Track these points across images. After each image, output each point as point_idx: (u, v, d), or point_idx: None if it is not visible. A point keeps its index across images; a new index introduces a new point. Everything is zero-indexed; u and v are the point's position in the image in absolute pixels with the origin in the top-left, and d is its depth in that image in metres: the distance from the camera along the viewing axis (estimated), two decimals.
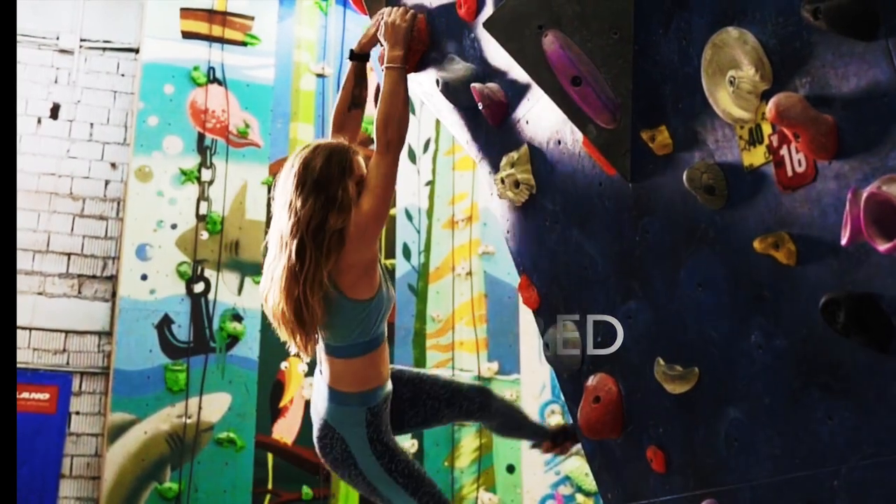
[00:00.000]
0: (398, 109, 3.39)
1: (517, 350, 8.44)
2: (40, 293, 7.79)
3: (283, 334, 3.42)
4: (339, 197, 3.30)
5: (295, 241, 3.28)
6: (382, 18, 3.60)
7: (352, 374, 3.47)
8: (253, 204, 8.25)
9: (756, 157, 2.33)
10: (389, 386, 3.57)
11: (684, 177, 2.47)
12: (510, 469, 8.26)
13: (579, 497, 8.31)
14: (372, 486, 3.48)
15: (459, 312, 8.40)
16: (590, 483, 8.13)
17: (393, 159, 3.38)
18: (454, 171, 8.71)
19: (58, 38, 8.33)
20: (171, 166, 8.09)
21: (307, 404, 7.86)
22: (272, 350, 7.91)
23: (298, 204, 3.30)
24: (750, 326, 2.37)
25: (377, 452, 3.44)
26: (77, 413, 7.66)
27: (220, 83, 8.39)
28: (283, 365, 7.94)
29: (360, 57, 3.79)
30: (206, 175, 8.20)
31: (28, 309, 7.68)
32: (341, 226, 3.28)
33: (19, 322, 7.59)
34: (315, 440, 3.61)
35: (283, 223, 3.35)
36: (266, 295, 3.42)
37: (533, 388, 8.41)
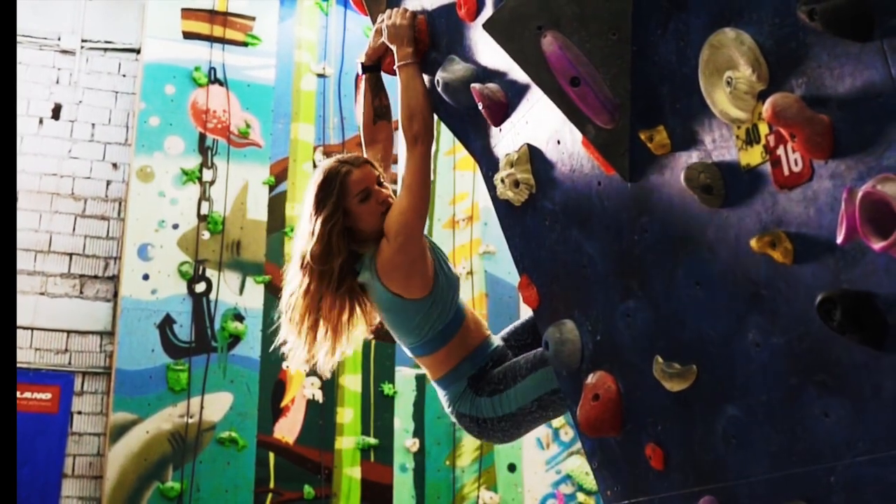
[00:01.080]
0: (419, 102, 3.48)
1: None
2: (42, 293, 7.81)
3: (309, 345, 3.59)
4: (345, 223, 3.47)
5: (307, 271, 3.47)
6: (383, 23, 3.63)
7: (439, 363, 3.58)
8: (254, 204, 8.28)
9: (753, 156, 2.35)
10: (487, 347, 3.63)
11: (682, 176, 2.49)
12: (511, 468, 8.28)
13: (580, 496, 8.33)
14: (529, 402, 3.48)
15: None
16: (591, 482, 8.15)
17: (423, 152, 3.46)
18: (455, 170, 8.73)
19: (59, 39, 8.37)
20: (173, 166, 8.12)
21: (308, 404, 7.91)
22: (273, 350, 7.92)
23: (313, 233, 3.47)
24: (747, 325, 2.38)
25: (491, 394, 3.50)
26: (79, 413, 7.69)
27: (221, 83, 8.42)
28: (285, 365, 7.93)
29: (371, 68, 3.82)
30: (207, 175, 8.23)
31: (30, 309, 7.70)
32: (359, 250, 3.48)
33: (21, 322, 7.61)
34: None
35: (302, 247, 3.52)
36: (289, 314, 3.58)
37: None
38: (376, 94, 3.85)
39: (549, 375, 3.34)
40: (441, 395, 3.64)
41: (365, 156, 3.68)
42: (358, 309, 3.59)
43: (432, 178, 8.63)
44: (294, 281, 3.54)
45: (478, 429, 3.53)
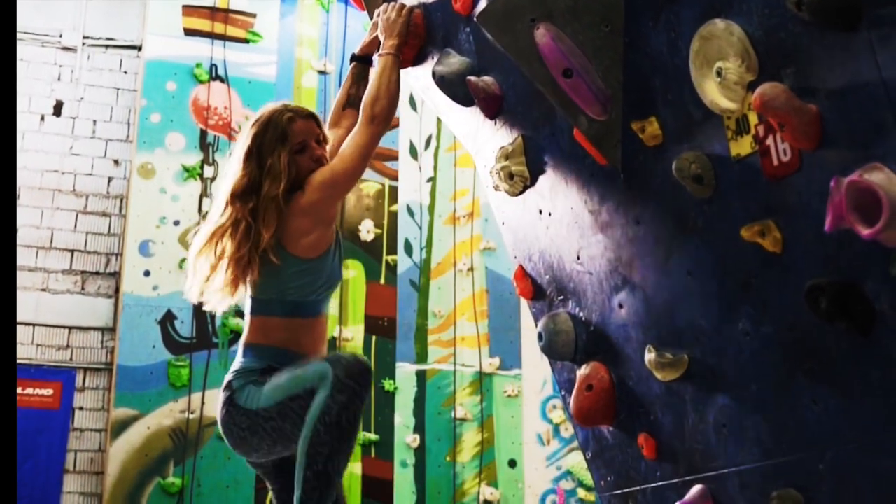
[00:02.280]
0: (388, 90, 3.44)
1: (519, 345, 8.47)
2: (44, 290, 7.82)
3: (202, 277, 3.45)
4: (270, 165, 3.38)
5: (229, 208, 3.39)
6: (379, 17, 3.66)
7: (265, 329, 3.38)
8: None
9: (743, 146, 2.36)
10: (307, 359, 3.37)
11: (673, 167, 2.51)
12: (512, 464, 8.29)
13: (581, 492, 8.33)
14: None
15: (461, 308, 8.44)
16: (591, 478, 8.16)
17: (373, 133, 3.40)
18: (455, 167, 8.74)
19: (61, 36, 8.37)
20: (174, 163, 8.12)
21: None
22: None
23: (237, 170, 3.43)
24: (738, 314, 2.40)
25: (256, 385, 3.27)
26: (80, 409, 7.69)
27: (222, 80, 8.42)
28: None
29: (361, 59, 3.84)
30: (208, 172, 8.24)
31: (32, 305, 7.72)
32: (275, 192, 3.33)
33: (23, 318, 7.63)
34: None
35: (224, 186, 3.46)
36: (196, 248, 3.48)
37: (534, 383, 8.44)
38: (355, 83, 3.84)
39: (297, 380, 3.16)
40: (236, 362, 3.40)
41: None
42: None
43: (433, 174, 8.65)
44: (215, 216, 3.46)
45: (225, 412, 3.27)
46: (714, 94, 2.39)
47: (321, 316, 3.46)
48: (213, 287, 3.46)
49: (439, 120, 8.57)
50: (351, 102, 3.78)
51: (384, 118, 3.41)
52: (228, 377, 3.36)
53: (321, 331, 3.48)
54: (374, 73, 3.54)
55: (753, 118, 2.32)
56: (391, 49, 3.52)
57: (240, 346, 3.45)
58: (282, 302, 3.38)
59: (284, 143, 3.42)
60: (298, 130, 3.46)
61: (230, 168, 3.50)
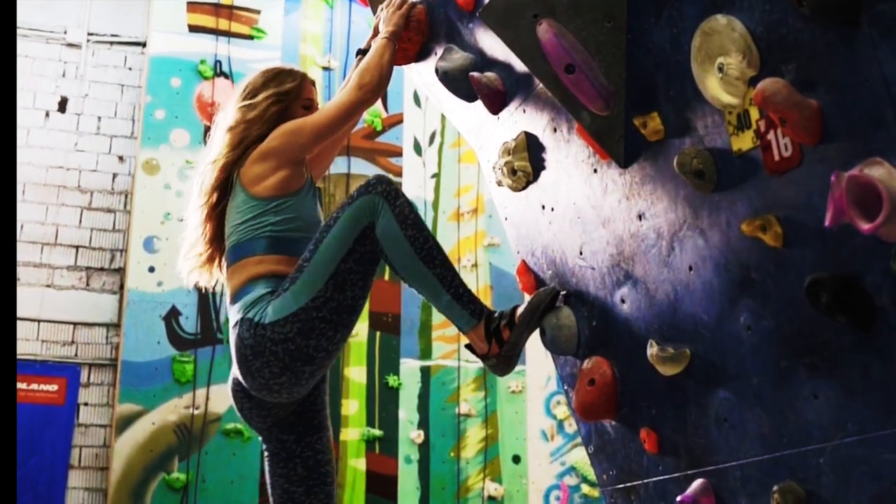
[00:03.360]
0: (380, 65, 3.46)
1: None
2: (49, 286, 7.84)
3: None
4: (256, 101, 3.45)
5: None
6: (382, 11, 3.67)
7: (249, 266, 3.22)
8: None
9: (744, 141, 2.37)
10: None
11: (675, 162, 2.52)
12: (516, 459, 8.30)
13: (585, 487, 8.35)
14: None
15: None
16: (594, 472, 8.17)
17: (358, 98, 3.41)
18: (460, 163, 8.75)
19: (65, 33, 8.38)
20: (179, 159, 8.14)
21: None
22: None
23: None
24: (739, 308, 2.41)
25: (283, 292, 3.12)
26: (85, 404, 7.71)
27: (226, 76, 8.44)
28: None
29: (366, 53, 3.85)
30: None
31: (36, 301, 7.73)
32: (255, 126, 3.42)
33: (28, 314, 7.65)
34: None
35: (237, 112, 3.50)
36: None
37: (539, 379, 8.45)
38: None
39: (343, 233, 3.03)
40: (232, 311, 3.18)
41: None
42: None
43: (437, 170, 8.66)
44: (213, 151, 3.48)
45: (254, 347, 3.03)
46: (716, 89, 2.40)
47: (296, 256, 3.22)
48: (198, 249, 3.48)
49: (443, 116, 8.57)
50: None
51: (372, 88, 3.42)
52: (235, 322, 3.13)
53: None
54: (369, 54, 3.55)
55: (755, 113, 2.33)
56: (387, 34, 3.54)
57: (228, 299, 3.25)
58: (258, 239, 3.24)
59: (272, 83, 3.53)
60: (309, 89, 3.59)
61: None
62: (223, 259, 3.40)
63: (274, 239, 3.25)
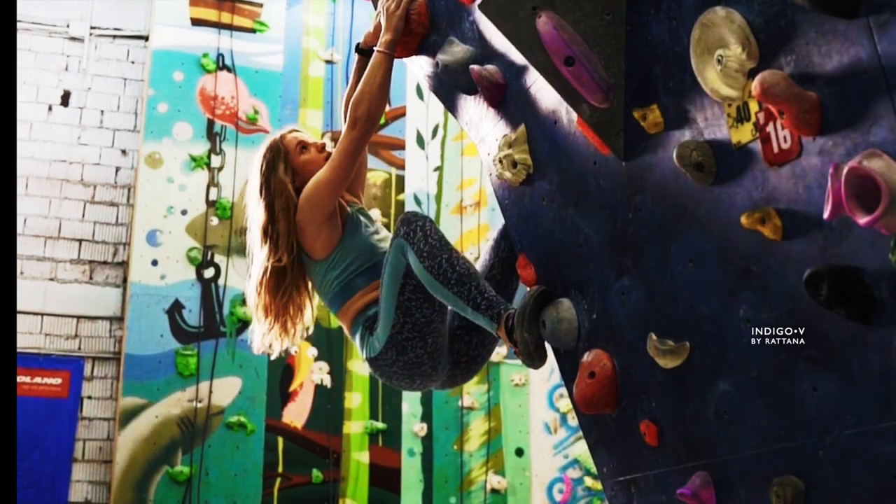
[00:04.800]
0: (374, 90, 3.52)
1: None
2: (52, 279, 7.86)
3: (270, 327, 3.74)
4: (275, 189, 3.65)
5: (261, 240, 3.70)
6: (381, 6, 3.66)
7: (346, 315, 3.66)
8: None
9: (743, 134, 2.37)
10: None
11: (674, 154, 2.51)
12: (519, 452, 8.31)
13: (588, 480, 8.35)
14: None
15: None
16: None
17: (358, 136, 3.53)
18: (462, 156, 8.75)
19: (68, 26, 8.39)
20: (181, 153, 8.15)
21: (317, 388, 7.95)
22: None
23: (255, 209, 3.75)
24: (738, 301, 2.41)
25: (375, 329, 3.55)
26: (89, 397, 7.73)
27: (229, 70, 8.44)
28: (293, 349, 8.00)
29: (365, 51, 3.85)
30: (215, 161, 8.26)
31: (40, 295, 7.75)
32: (285, 205, 3.63)
33: (31, 308, 7.66)
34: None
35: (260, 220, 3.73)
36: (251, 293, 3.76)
37: (541, 372, 8.44)
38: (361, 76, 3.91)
39: (392, 274, 3.40)
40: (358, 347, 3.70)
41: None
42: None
43: (440, 164, 8.66)
44: (259, 259, 3.72)
45: (381, 372, 3.59)
46: (715, 81, 2.39)
47: (373, 281, 3.61)
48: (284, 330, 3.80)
49: (445, 112, 8.57)
50: None
51: (367, 120, 3.51)
52: (366, 361, 3.63)
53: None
54: (366, 70, 3.58)
55: (754, 105, 2.33)
56: (384, 46, 3.56)
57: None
58: (336, 294, 3.64)
59: (283, 155, 3.71)
60: (291, 138, 3.75)
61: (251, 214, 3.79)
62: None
63: (345, 286, 3.63)
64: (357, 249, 3.63)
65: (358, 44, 3.87)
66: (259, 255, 3.68)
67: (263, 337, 3.74)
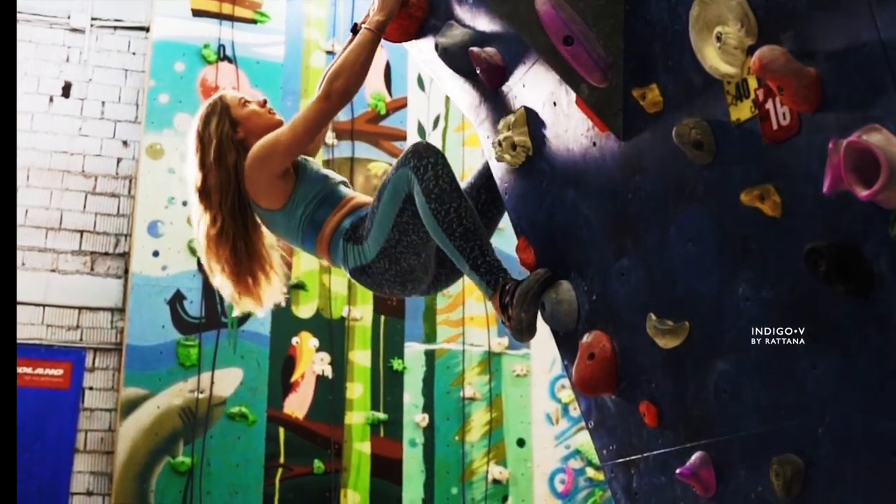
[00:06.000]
0: (356, 68, 3.45)
1: None
2: (53, 270, 7.85)
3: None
4: (207, 141, 3.61)
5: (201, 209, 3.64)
6: None
7: (323, 243, 3.60)
8: None
9: (743, 111, 2.36)
10: (358, 207, 3.64)
11: (673, 133, 2.51)
12: (520, 443, 8.31)
13: (589, 471, 8.35)
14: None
15: (470, 288, 8.43)
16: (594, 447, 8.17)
17: (329, 109, 3.47)
18: (464, 147, 8.73)
19: (69, 17, 8.38)
20: (183, 143, 8.05)
21: (318, 379, 7.94)
22: (283, 325, 7.98)
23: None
24: (737, 279, 2.40)
25: (365, 239, 3.50)
26: (91, 388, 7.73)
27: (230, 61, 8.43)
28: (295, 340, 8.00)
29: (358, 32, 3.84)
30: None
31: (41, 286, 7.75)
32: (218, 156, 3.58)
33: (33, 299, 7.66)
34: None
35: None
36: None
37: (543, 362, 8.45)
38: None
39: (392, 196, 3.34)
40: (342, 269, 3.65)
41: None
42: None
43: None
44: (198, 216, 3.66)
45: (370, 279, 3.54)
46: (714, 59, 2.38)
47: (336, 205, 3.61)
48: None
49: (447, 99, 8.56)
50: None
51: (340, 96, 3.45)
52: (349, 273, 3.60)
53: (346, 201, 3.64)
54: (350, 46, 3.55)
55: (753, 82, 2.32)
56: (374, 25, 3.51)
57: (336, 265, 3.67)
58: (304, 234, 3.60)
59: (224, 113, 3.64)
60: (232, 95, 3.70)
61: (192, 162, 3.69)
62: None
63: (311, 222, 3.58)
64: (312, 187, 3.58)
65: (355, 24, 3.84)
66: (198, 218, 3.63)
67: (237, 297, 3.70)
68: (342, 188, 3.68)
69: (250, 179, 3.54)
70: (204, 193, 3.58)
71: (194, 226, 3.68)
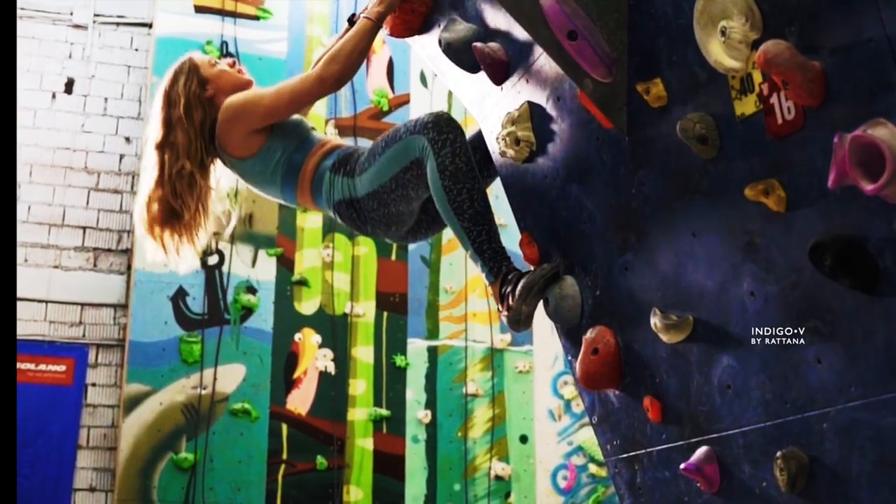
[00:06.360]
0: (353, 56, 3.47)
1: None
2: (56, 266, 7.85)
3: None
4: (174, 99, 3.62)
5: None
6: None
7: (305, 185, 3.58)
8: None
9: (747, 105, 2.36)
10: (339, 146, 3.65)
11: (677, 128, 2.50)
12: (523, 439, 8.30)
13: (592, 467, 8.35)
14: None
15: (472, 284, 8.44)
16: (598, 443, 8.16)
17: (317, 89, 3.50)
18: None
19: (72, 14, 8.38)
20: None
21: (321, 375, 7.94)
22: (286, 322, 7.98)
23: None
24: (742, 274, 2.40)
25: (358, 174, 3.48)
26: (93, 385, 7.73)
27: (232, 57, 8.41)
28: (297, 336, 7.99)
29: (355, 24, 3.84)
30: None
31: (44, 282, 7.75)
32: (186, 112, 3.58)
33: (36, 295, 7.66)
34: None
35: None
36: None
37: (545, 359, 8.45)
38: None
39: (400, 153, 3.33)
40: (324, 209, 3.64)
41: None
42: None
43: None
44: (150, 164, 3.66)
45: (356, 214, 3.49)
46: (718, 53, 2.38)
47: (312, 147, 3.60)
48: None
49: (451, 95, 8.55)
50: None
51: (335, 81, 3.47)
52: (332, 208, 3.54)
53: (321, 145, 3.64)
54: (347, 34, 3.56)
55: (758, 77, 2.32)
56: (373, 15, 3.52)
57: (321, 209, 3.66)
58: (283, 179, 3.58)
59: (192, 72, 3.66)
60: (202, 56, 3.74)
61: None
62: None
63: (288, 166, 3.56)
64: (288, 134, 3.57)
65: (353, 14, 3.85)
66: (151, 165, 3.62)
67: (165, 252, 3.73)
68: (315, 133, 3.67)
69: (223, 129, 3.53)
70: (164, 147, 3.58)
71: (142, 173, 3.68)
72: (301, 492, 7.74)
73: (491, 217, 3.26)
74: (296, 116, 3.65)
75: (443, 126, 3.24)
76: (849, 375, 2.12)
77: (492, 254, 3.19)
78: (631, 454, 2.91)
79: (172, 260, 3.75)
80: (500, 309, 3.17)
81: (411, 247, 8.34)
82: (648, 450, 2.82)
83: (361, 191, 3.43)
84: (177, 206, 3.58)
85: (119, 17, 8.49)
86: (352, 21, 3.77)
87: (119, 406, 7.62)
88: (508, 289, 3.10)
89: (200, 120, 3.57)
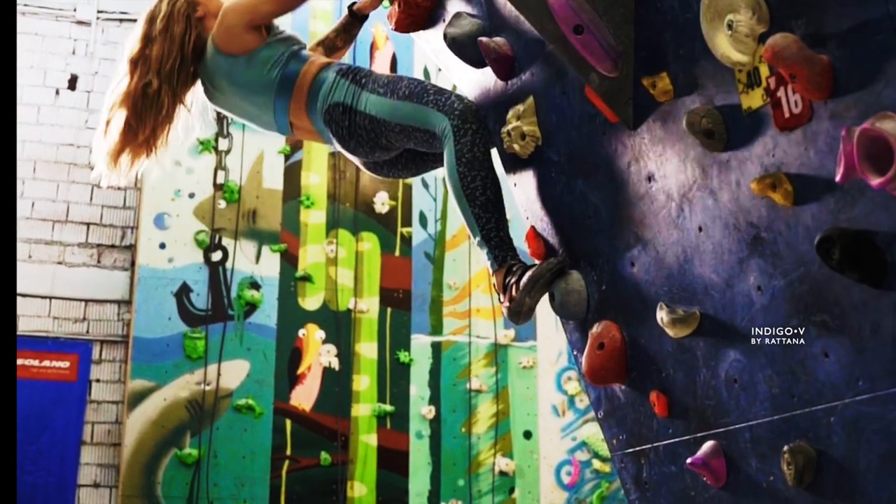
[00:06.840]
0: None
1: (533, 317, 8.47)
2: (60, 263, 7.87)
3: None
4: (154, 15, 3.62)
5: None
6: None
7: (301, 91, 3.56)
8: (270, 173, 8.30)
9: (754, 99, 2.35)
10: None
11: (684, 122, 2.50)
12: (527, 435, 8.31)
13: (596, 462, 8.36)
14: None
15: (476, 280, 8.45)
16: (606, 448, 8.17)
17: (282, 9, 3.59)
18: None
19: (75, 10, 8.39)
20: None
21: (324, 371, 7.95)
22: (290, 318, 7.98)
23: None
24: (749, 268, 2.39)
25: (367, 86, 3.49)
26: (97, 381, 7.74)
27: None
28: (301, 332, 8.00)
29: (355, 15, 3.86)
30: (223, 144, 8.26)
31: (48, 278, 7.76)
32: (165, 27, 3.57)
33: (40, 291, 7.68)
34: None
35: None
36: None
37: (549, 354, 8.45)
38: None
39: (418, 116, 3.35)
40: (314, 118, 3.59)
41: None
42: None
43: None
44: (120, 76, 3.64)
45: (347, 123, 3.46)
46: (725, 47, 2.37)
47: (310, 56, 3.63)
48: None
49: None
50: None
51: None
52: (323, 107, 3.50)
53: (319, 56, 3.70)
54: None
55: (765, 70, 2.31)
56: (363, 8, 3.72)
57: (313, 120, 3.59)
58: (279, 83, 3.54)
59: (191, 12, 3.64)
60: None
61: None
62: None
63: (285, 70, 3.54)
64: (286, 40, 3.61)
65: (353, 3, 3.86)
66: (121, 78, 3.60)
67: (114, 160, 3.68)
68: (305, 49, 3.69)
69: (225, 17, 3.49)
70: (138, 61, 3.56)
71: (112, 85, 3.64)
72: (305, 487, 7.75)
73: (502, 207, 3.27)
74: (289, 31, 3.67)
75: (467, 116, 3.28)
76: (856, 369, 2.11)
77: (499, 242, 3.20)
78: (637, 449, 2.91)
79: (105, 175, 3.74)
80: (502, 299, 3.18)
81: (415, 243, 8.35)
82: (655, 444, 2.82)
83: (363, 106, 3.42)
84: (133, 123, 3.57)
85: (122, 13, 8.50)
86: (352, 9, 3.79)
87: (123, 402, 7.63)
88: (512, 279, 3.10)
89: (181, 34, 3.56)
